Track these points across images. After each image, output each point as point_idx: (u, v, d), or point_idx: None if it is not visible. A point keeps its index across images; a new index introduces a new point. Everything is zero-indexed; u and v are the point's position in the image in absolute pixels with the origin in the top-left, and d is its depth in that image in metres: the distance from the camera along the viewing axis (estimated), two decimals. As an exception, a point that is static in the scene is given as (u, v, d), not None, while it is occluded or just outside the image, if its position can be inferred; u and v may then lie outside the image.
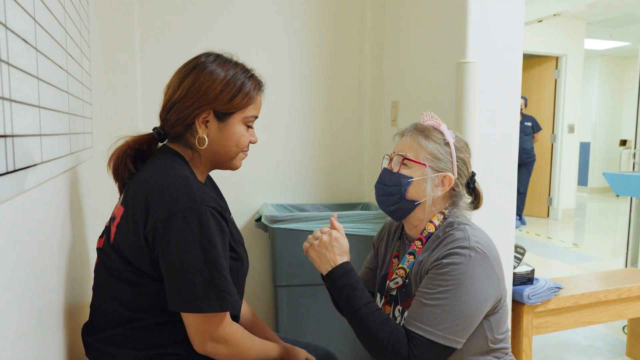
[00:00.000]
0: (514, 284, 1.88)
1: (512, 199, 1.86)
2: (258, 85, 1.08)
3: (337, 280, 1.09)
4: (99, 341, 0.98)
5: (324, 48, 2.29)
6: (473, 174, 1.20)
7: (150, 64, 2.01)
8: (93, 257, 1.41)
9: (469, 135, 1.69)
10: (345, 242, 1.14)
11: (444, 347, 1.00)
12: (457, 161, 1.13)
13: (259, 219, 2.11)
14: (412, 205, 1.12)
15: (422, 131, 1.14)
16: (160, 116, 1.05)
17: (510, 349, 1.18)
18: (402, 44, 2.15)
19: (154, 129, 1.07)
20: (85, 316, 1.08)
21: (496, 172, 1.81)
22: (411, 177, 1.11)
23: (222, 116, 1.02)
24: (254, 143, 1.09)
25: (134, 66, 1.97)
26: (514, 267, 1.90)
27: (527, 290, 1.86)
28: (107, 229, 1.02)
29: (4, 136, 0.56)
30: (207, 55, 1.05)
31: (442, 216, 1.14)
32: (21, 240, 0.67)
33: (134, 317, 0.96)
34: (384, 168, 1.19)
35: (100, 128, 1.73)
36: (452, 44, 1.78)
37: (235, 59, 1.07)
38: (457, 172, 1.13)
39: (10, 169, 0.58)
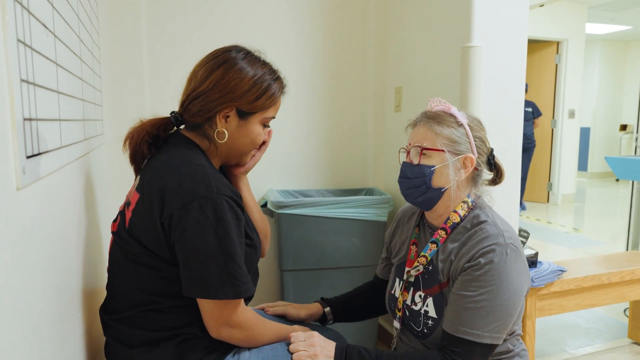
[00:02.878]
0: (518, 267, 1.90)
1: (517, 183, 1.87)
2: (282, 87, 1.09)
3: None
4: (116, 321, 1.00)
5: (327, 34, 2.29)
6: (492, 150, 1.20)
7: (157, 51, 2.01)
8: (106, 241, 1.43)
9: (474, 119, 1.70)
10: (318, 340, 1.06)
11: (490, 346, 1.02)
12: (474, 140, 1.13)
13: (264, 205, 2.12)
14: (440, 193, 1.12)
15: (433, 118, 1.13)
16: (182, 103, 1.05)
17: (521, 335, 1.20)
18: (406, 28, 2.14)
19: (172, 113, 1.07)
20: (100, 298, 1.09)
21: (501, 156, 1.81)
22: (433, 166, 1.10)
23: (244, 114, 1.03)
24: (266, 141, 1.13)
25: (141, 53, 1.97)
26: (518, 251, 1.92)
27: (531, 273, 1.88)
28: (122, 214, 1.03)
29: (30, 119, 0.57)
30: (238, 50, 1.05)
31: (466, 206, 1.14)
32: (44, 222, 0.68)
33: (150, 300, 0.97)
34: (404, 162, 1.18)
35: (108, 115, 1.73)
36: (457, 28, 1.77)
37: (263, 57, 1.09)
38: (477, 151, 1.13)
39: (35, 152, 0.59)
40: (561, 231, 4.82)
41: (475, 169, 1.15)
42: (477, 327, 1.01)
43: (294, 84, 2.28)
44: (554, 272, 1.93)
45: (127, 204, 1.03)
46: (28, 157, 0.55)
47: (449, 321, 1.06)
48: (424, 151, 1.11)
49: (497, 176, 1.22)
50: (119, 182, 1.92)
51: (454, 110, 1.14)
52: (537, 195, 6.30)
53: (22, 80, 0.54)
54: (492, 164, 1.20)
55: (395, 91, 2.23)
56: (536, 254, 1.95)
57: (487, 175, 1.23)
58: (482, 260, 1.03)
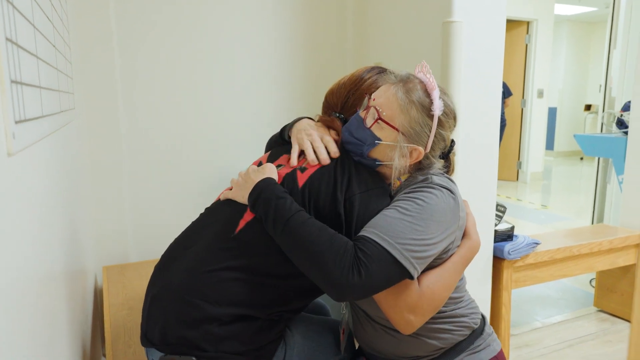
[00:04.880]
0: (495, 241, 1.95)
1: (494, 162, 1.92)
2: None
3: (260, 196, 0.96)
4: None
5: (305, 9, 2.24)
6: (451, 145, 1.08)
7: (126, 21, 1.93)
8: (81, 217, 1.38)
9: (454, 96, 1.71)
10: (270, 167, 1.04)
11: (396, 265, 0.87)
12: (435, 136, 1.00)
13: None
14: (374, 162, 1.03)
15: (408, 92, 0.99)
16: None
17: (463, 298, 1.10)
18: (385, 3, 2.12)
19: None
20: (80, 276, 1.06)
21: (480, 131, 1.85)
22: (379, 140, 0.99)
23: None
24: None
25: (109, 23, 1.88)
26: (495, 225, 1.96)
27: (508, 246, 1.93)
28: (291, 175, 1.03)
29: (16, 82, 0.53)
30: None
31: (409, 174, 1.05)
32: (35, 191, 0.64)
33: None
34: (358, 113, 1.05)
35: (78, 90, 1.66)
36: (438, 3, 1.77)
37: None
38: (431, 147, 1.01)
39: (23, 117, 0.56)
40: (530, 208, 4.97)
41: (425, 157, 1.04)
42: (387, 234, 0.88)
43: (270, 60, 2.25)
44: (529, 245, 1.99)
45: (301, 168, 1.03)
46: (17, 123, 0.52)
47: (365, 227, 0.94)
48: (379, 121, 0.99)
49: (447, 170, 1.11)
50: (91, 159, 1.86)
51: (435, 94, 0.99)
52: (507, 174, 6.46)
53: (7, 40, 0.50)
54: (446, 157, 1.10)
55: (375, 67, 2.22)
56: (512, 228, 2.01)
57: (440, 162, 1.10)
58: (410, 193, 0.96)
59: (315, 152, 1.05)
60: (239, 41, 2.14)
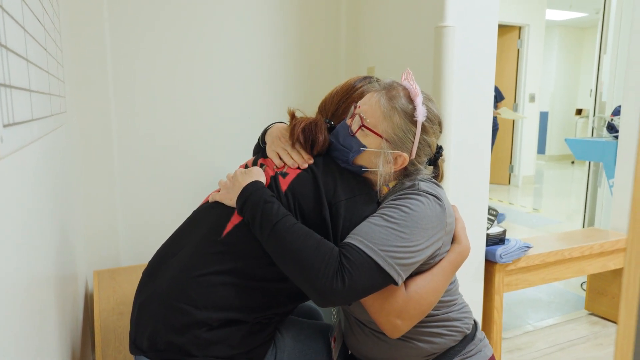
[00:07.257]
0: (487, 245, 1.96)
1: (487, 165, 1.92)
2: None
3: (248, 200, 0.96)
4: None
5: (298, 12, 2.25)
6: (438, 151, 1.08)
7: (120, 25, 1.92)
8: (71, 222, 1.36)
9: (447, 100, 1.72)
10: (257, 170, 1.04)
11: (380, 272, 0.87)
12: (419, 142, 1.01)
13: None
14: (360, 169, 1.03)
15: (391, 99, 1.00)
16: None
17: (456, 302, 1.09)
18: (379, 7, 2.13)
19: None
20: (69, 280, 1.05)
21: (473, 134, 1.86)
22: (364, 147, 1.01)
23: None
24: None
25: (103, 26, 1.87)
26: (487, 229, 1.97)
27: (500, 250, 1.94)
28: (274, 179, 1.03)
29: (4, 85, 0.53)
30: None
31: (396, 181, 1.06)
32: (24, 195, 0.64)
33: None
34: (345, 121, 1.06)
35: (70, 94, 1.65)
36: (430, 8, 1.78)
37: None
38: (416, 153, 1.02)
39: (11, 121, 0.55)
40: (522, 211, 5.00)
41: (406, 167, 1.04)
42: (372, 241, 0.89)
43: (263, 63, 2.25)
44: (521, 249, 2.00)
45: (283, 173, 1.03)
46: (5, 126, 0.51)
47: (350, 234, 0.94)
48: (363, 127, 1.01)
49: (435, 176, 1.09)
50: (82, 163, 1.85)
51: (418, 100, 1.00)
52: (499, 178, 6.50)
53: (-5, 42, 0.50)
54: (434, 163, 1.09)
55: (368, 71, 2.23)
56: (504, 232, 2.02)
57: (428, 170, 1.10)
58: (396, 200, 0.96)
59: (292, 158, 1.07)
60: (232, 44, 2.14)
